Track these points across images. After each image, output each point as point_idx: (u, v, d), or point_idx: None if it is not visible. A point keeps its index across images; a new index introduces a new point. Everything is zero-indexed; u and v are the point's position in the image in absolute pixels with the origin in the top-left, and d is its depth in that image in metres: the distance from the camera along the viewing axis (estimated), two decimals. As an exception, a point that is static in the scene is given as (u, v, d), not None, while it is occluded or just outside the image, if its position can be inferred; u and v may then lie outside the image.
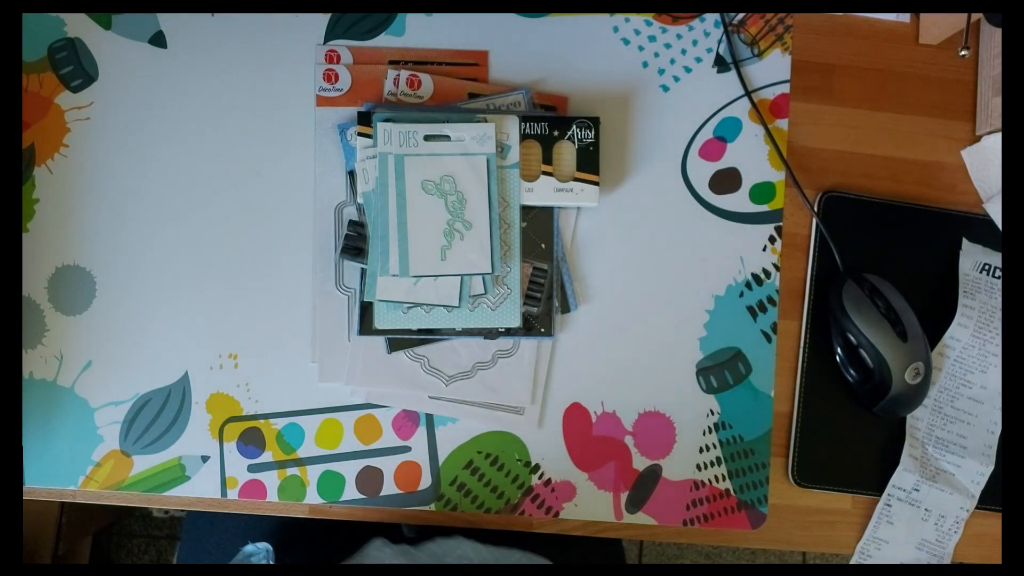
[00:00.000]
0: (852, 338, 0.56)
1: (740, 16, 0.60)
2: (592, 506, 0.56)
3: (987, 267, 0.59)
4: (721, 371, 0.57)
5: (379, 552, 0.55)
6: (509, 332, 0.56)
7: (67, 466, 0.55)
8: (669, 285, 0.58)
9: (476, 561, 0.54)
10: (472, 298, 0.55)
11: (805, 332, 0.58)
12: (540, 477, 0.56)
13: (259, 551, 0.56)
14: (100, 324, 0.55)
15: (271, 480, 0.55)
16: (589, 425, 0.57)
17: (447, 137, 0.54)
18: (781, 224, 0.59)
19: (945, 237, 0.60)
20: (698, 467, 0.57)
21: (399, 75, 0.57)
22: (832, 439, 0.58)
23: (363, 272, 0.55)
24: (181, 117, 0.57)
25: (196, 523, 0.72)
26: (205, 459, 0.55)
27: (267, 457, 0.55)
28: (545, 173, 0.55)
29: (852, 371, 0.57)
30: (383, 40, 0.58)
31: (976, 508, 0.58)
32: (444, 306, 0.54)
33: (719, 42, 0.60)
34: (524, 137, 0.55)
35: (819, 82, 0.61)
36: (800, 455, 0.57)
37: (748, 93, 0.59)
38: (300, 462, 0.55)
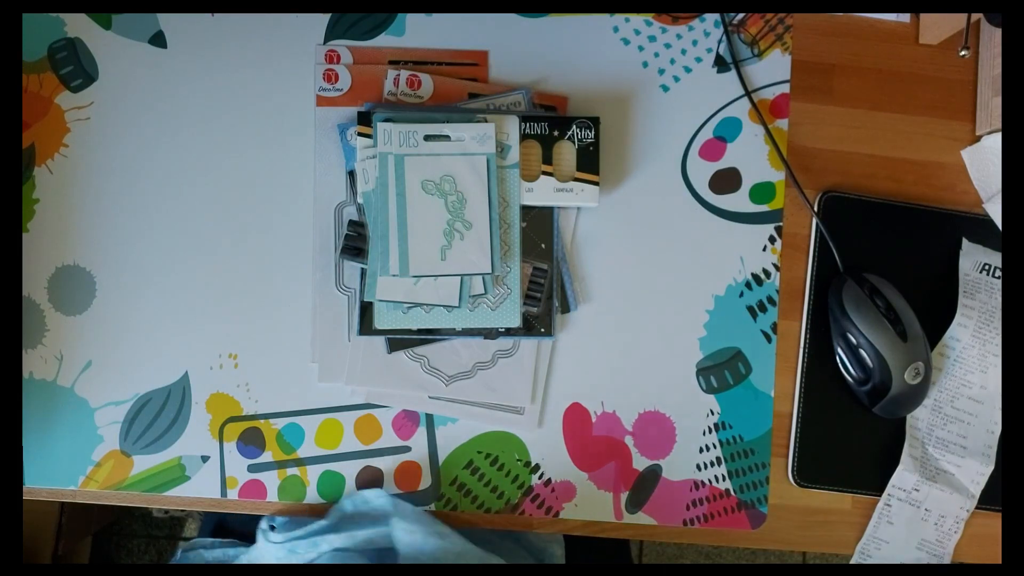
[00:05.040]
0: (852, 338, 0.56)
1: (740, 16, 0.60)
2: (592, 506, 0.56)
3: (987, 267, 0.59)
4: (721, 371, 0.57)
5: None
6: (509, 332, 0.56)
7: (67, 466, 0.55)
8: (669, 285, 0.58)
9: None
10: (472, 298, 0.55)
11: (805, 332, 0.58)
12: (540, 477, 0.56)
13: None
14: (100, 324, 0.55)
15: (271, 480, 0.55)
16: (589, 425, 0.57)
17: (447, 137, 0.54)
18: (781, 224, 0.59)
19: (945, 237, 0.60)
20: (698, 467, 0.57)
21: (399, 75, 0.57)
22: (832, 439, 0.58)
23: (363, 272, 0.55)
24: (181, 117, 0.57)
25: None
26: (205, 459, 0.55)
27: (267, 457, 0.55)
28: (545, 173, 0.55)
29: (852, 371, 0.57)
30: (383, 40, 0.58)
31: (976, 508, 0.58)
32: (444, 306, 0.54)
33: (719, 42, 0.60)
34: (524, 137, 0.55)
35: (819, 82, 0.61)
36: (800, 455, 0.57)
37: (748, 93, 0.59)
38: (300, 462, 0.55)
